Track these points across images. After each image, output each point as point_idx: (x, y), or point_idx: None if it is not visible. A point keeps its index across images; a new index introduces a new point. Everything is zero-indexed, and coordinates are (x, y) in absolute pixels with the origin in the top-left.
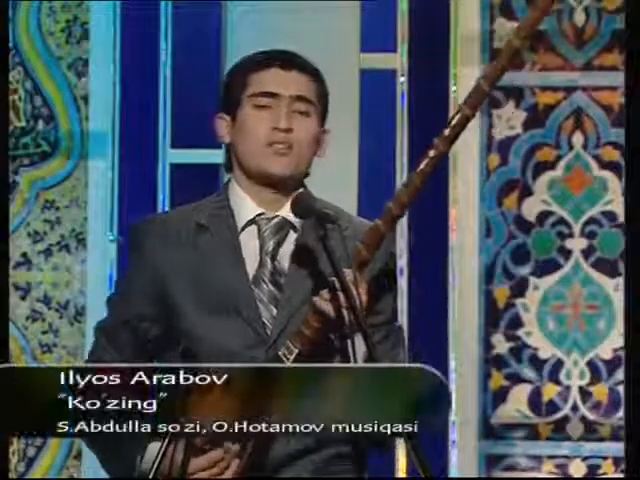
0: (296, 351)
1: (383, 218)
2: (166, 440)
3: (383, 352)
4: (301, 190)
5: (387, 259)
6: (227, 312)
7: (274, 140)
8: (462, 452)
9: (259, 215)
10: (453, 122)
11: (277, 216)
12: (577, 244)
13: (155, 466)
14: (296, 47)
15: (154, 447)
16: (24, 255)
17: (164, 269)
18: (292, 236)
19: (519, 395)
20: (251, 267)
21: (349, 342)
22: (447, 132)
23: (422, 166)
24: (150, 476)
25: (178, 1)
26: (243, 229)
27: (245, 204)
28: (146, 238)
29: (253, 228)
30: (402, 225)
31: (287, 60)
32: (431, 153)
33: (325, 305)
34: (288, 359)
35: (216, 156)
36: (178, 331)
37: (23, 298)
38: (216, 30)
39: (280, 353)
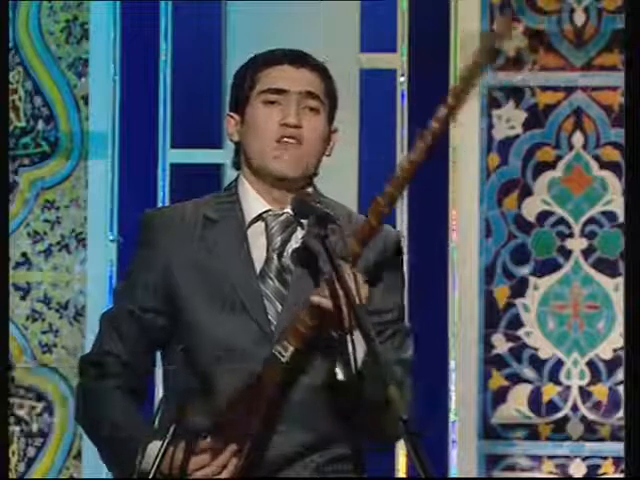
0: (291, 349)
1: (372, 213)
2: (166, 440)
3: (388, 351)
4: (302, 190)
5: (395, 259)
6: (232, 307)
7: (283, 135)
8: (462, 452)
9: (267, 212)
10: (439, 115)
11: (284, 213)
12: (577, 244)
13: (155, 466)
14: (296, 47)
15: (154, 447)
16: (24, 255)
17: (170, 262)
18: (299, 233)
19: (519, 395)
20: (258, 263)
21: (349, 341)
22: (434, 124)
23: (412, 156)
24: (150, 476)
25: (178, 1)
26: (250, 225)
27: (253, 200)
28: (153, 230)
29: (260, 224)
30: (402, 225)
31: (296, 57)
32: (420, 144)
33: (321, 302)
34: (283, 356)
35: (216, 156)
36: (182, 324)
37: (23, 298)
38: (216, 30)
39: (275, 352)
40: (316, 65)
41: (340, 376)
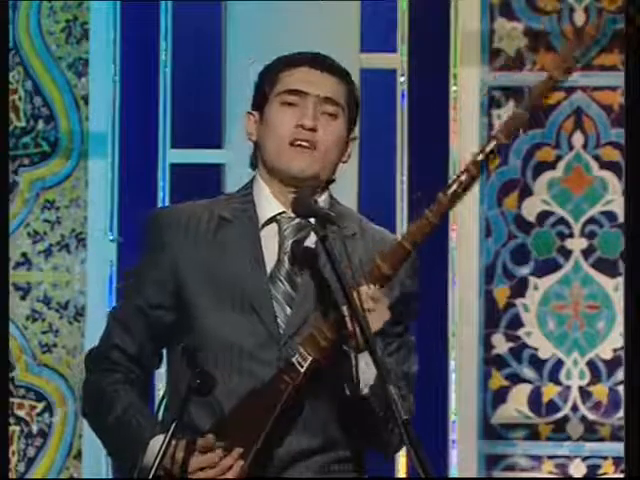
0: (310, 359)
1: (408, 238)
2: (167, 439)
3: (394, 364)
4: (303, 191)
5: (407, 273)
6: (242, 308)
7: (298, 138)
8: (462, 452)
9: (281, 214)
10: (487, 148)
11: None
12: (577, 244)
13: (156, 464)
14: (296, 47)
15: (157, 443)
16: (24, 255)
17: (179, 259)
18: (313, 237)
19: (519, 395)
20: (269, 265)
21: (351, 352)
22: (480, 157)
23: (453, 188)
24: (151, 475)
25: (178, 1)
26: (264, 226)
27: (268, 201)
28: (162, 228)
29: (274, 226)
30: (403, 226)
31: (319, 61)
32: (462, 177)
33: (341, 315)
34: (302, 366)
35: (216, 156)
36: (189, 321)
37: (23, 298)
38: (216, 30)
39: (294, 360)
40: (339, 70)
41: (346, 390)
